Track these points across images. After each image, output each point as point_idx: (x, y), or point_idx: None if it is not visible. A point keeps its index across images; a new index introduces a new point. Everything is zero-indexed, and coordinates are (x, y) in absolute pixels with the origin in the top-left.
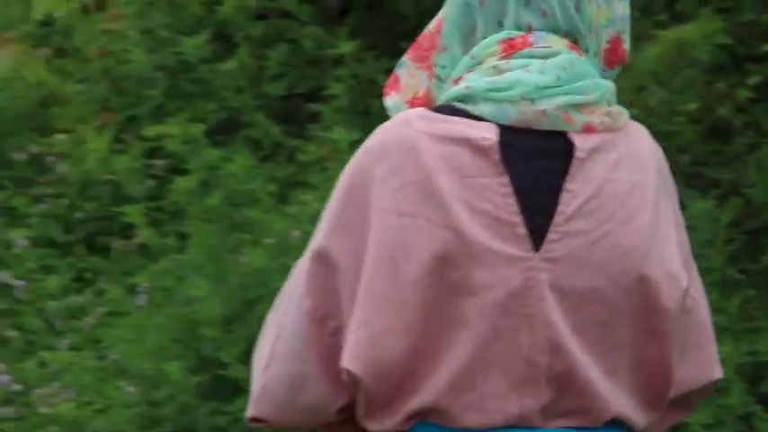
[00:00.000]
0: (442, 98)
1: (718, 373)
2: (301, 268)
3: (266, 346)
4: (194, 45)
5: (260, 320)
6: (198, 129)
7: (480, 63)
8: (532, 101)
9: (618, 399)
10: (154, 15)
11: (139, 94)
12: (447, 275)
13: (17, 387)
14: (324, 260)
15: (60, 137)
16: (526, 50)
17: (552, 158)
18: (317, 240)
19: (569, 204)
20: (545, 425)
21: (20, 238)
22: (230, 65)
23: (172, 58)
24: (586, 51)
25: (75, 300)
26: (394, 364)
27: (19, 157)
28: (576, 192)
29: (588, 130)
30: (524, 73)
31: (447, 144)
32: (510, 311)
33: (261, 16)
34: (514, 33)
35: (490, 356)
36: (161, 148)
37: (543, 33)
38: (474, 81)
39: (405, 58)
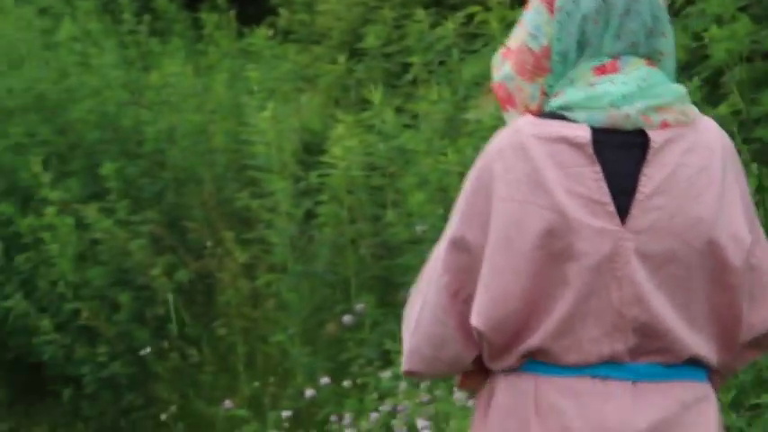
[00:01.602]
0: (547, 108)
1: None
2: (439, 252)
3: (413, 314)
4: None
5: None
6: None
7: (576, 82)
8: (618, 107)
9: (695, 341)
10: None
11: None
12: (552, 246)
13: None
14: (458, 245)
15: None
16: (614, 73)
17: (634, 150)
18: (451, 230)
19: (647, 186)
20: (633, 361)
21: None
22: (721, 110)
23: None
24: (663, 68)
25: None
26: (510, 320)
27: None
28: (651, 176)
29: (663, 126)
30: (611, 86)
31: (550, 143)
32: (603, 273)
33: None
34: (606, 60)
35: (586, 309)
36: None
37: (629, 57)
38: (571, 94)
39: (512, 72)
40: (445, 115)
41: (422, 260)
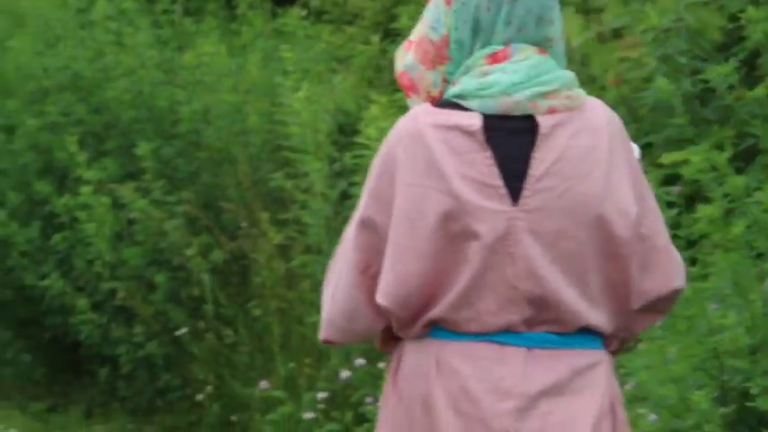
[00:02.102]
0: (446, 95)
1: (678, 282)
2: (349, 233)
3: (328, 289)
4: (721, 72)
5: None
6: (721, 157)
7: (471, 70)
8: (509, 95)
9: (587, 311)
10: (672, 42)
11: (654, 120)
12: (450, 228)
13: None
14: (366, 225)
15: None
16: (505, 62)
17: (524, 135)
18: (360, 211)
19: (537, 168)
20: (529, 330)
21: None
22: (758, 92)
23: (692, 84)
24: (553, 54)
25: None
26: (412, 296)
27: None
28: (541, 158)
29: (551, 111)
30: (502, 75)
31: (445, 130)
32: (497, 251)
33: None
34: (498, 48)
35: (483, 284)
36: (677, 176)
37: (519, 45)
38: (466, 83)
39: (414, 61)
40: None
41: None
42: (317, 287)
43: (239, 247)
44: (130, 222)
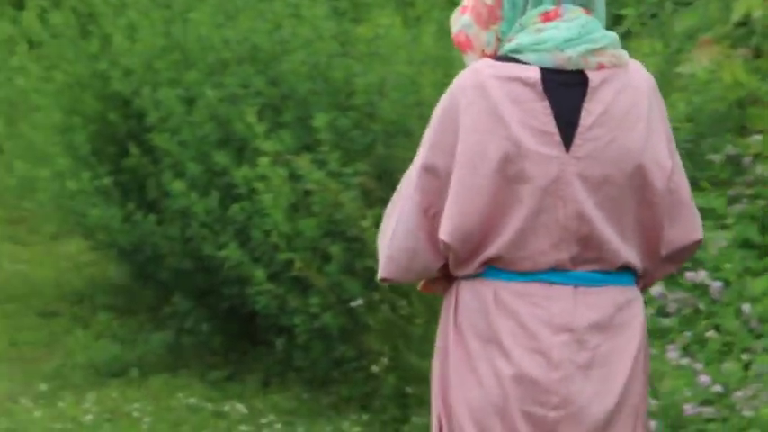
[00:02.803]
0: (501, 52)
1: (699, 235)
2: (411, 175)
3: (389, 227)
4: None
5: None
6: None
7: (526, 28)
8: (562, 50)
9: (626, 251)
10: None
11: None
12: (508, 170)
13: (717, 388)
14: (428, 170)
15: (756, 138)
16: (557, 20)
17: (575, 88)
18: (421, 157)
19: (587, 119)
20: (575, 269)
21: (718, 238)
22: None
23: None
24: (596, 17)
25: None
26: (472, 232)
27: (716, 158)
28: (590, 110)
29: (600, 67)
30: (556, 31)
31: (506, 82)
32: (550, 193)
33: None
34: (549, 7)
35: (537, 224)
36: None
37: (568, 5)
38: (522, 39)
39: (470, 21)
40: (658, 69)
41: None
42: None
43: None
44: (306, 194)
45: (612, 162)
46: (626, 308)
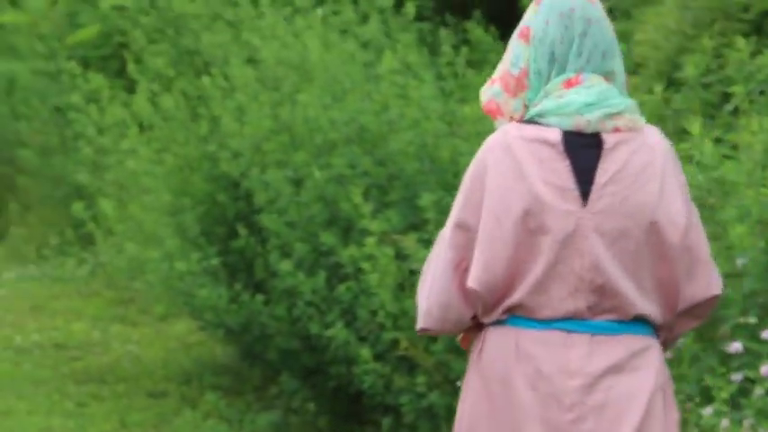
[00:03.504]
0: (527, 117)
1: (716, 290)
2: (445, 233)
3: (425, 284)
4: None
5: None
6: None
7: (550, 94)
8: (582, 114)
9: (641, 302)
10: None
11: None
12: (530, 223)
13: None
14: (460, 226)
15: None
16: (577, 86)
17: (592, 149)
18: (454, 214)
19: (603, 177)
20: (593, 318)
21: None
22: None
23: None
24: (616, 85)
25: None
26: (497, 280)
27: None
28: (606, 169)
29: (615, 130)
30: (577, 96)
31: (531, 142)
32: (567, 245)
33: None
34: (571, 75)
35: (555, 274)
36: None
37: (588, 74)
38: (546, 104)
39: (499, 90)
40: (767, 146)
41: (742, 294)
42: None
43: None
44: (413, 273)
45: (627, 217)
46: (641, 354)
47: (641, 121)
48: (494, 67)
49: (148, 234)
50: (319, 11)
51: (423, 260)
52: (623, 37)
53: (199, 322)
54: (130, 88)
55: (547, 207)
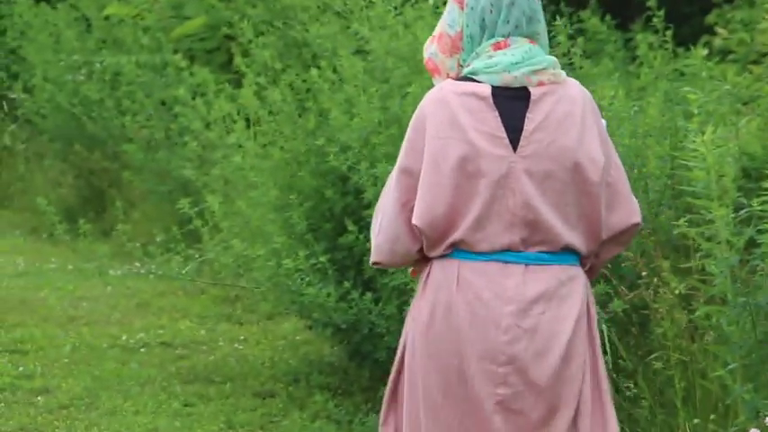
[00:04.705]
0: (462, 74)
1: (636, 219)
2: (392, 177)
3: (377, 221)
4: None
5: None
6: None
7: (480, 55)
8: (509, 72)
9: (569, 234)
10: None
11: None
12: (466, 168)
13: None
14: (404, 171)
15: None
16: (505, 49)
17: (520, 101)
18: (399, 161)
19: (530, 125)
20: (526, 250)
21: None
22: None
23: None
24: (540, 44)
25: None
26: (439, 219)
27: None
28: (533, 118)
29: (540, 84)
30: (504, 56)
31: (463, 96)
32: (501, 186)
33: None
34: (500, 39)
35: (491, 211)
36: None
37: (515, 38)
38: (477, 64)
39: (437, 51)
40: None
41: None
42: (721, 339)
43: (639, 297)
44: None
45: (553, 159)
46: (568, 283)
47: (562, 75)
48: (611, 57)
49: (255, 230)
50: (430, 0)
51: None
52: (746, 26)
53: (306, 321)
54: (237, 81)
55: (481, 152)
